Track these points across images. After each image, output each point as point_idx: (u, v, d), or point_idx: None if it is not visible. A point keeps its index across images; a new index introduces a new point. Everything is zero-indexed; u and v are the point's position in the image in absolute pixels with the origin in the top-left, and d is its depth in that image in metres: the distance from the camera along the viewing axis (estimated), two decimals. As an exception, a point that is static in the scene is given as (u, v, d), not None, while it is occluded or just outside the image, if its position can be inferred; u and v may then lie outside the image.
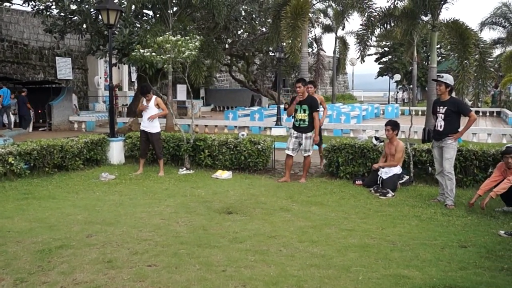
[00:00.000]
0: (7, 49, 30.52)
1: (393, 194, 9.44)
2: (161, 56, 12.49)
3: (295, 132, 11.04)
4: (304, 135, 10.97)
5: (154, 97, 11.89)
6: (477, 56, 16.29)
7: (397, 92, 61.47)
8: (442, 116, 8.88)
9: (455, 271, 5.46)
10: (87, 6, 22.26)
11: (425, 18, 19.16)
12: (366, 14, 18.87)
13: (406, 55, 40.92)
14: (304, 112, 10.90)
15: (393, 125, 10.36)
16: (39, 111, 24.84)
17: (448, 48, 18.62)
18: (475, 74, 16.38)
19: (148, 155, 12.47)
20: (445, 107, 8.84)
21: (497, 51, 39.81)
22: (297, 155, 11.19)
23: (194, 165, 12.42)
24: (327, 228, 7.21)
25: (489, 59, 17.21)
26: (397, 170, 10.05)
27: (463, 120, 8.84)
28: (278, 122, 23.06)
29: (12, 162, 10.56)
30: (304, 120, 10.95)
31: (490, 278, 5.26)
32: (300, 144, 11.03)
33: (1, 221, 7.42)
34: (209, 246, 6.21)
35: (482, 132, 19.77)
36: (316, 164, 12.44)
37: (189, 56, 12.50)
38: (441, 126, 8.90)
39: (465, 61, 15.87)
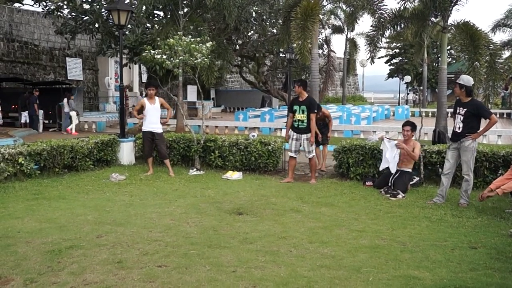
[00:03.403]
0: (18, 49, 30.71)
1: (404, 195, 9.41)
2: (172, 59, 12.47)
3: (295, 134, 11.05)
4: (304, 136, 10.97)
5: (157, 98, 11.93)
6: (487, 57, 16.17)
7: (407, 94, 61.28)
8: (461, 117, 8.74)
9: (465, 272, 5.44)
10: (98, 6, 22.33)
11: (435, 20, 19.10)
12: (377, 15, 18.80)
13: (416, 56, 40.73)
14: (303, 112, 10.89)
15: (412, 126, 10.24)
16: (49, 111, 24.89)
17: (459, 49, 18.48)
18: (486, 76, 16.27)
19: (154, 155, 12.41)
20: (465, 109, 8.70)
21: (507, 53, 39.62)
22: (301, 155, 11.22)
23: (204, 166, 12.44)
24: (337, 229, 7.20)
25: (499, 61, 17.09)
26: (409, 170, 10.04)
27: (483, 123, 8.72)
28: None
29: (22, 162, 10.61)
30: (302, 121, 10.94)
31: (500, 279, 5.24)
32: (301, 145, 11.05)
33: (11, 221, 7.46)
34: (219, 247, 6.22)
35: (492, 133, 19.68)
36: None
37: (201, 63, 12.48)
38: (459, 128, 8.77)
39: (476, 63, 15.77)
